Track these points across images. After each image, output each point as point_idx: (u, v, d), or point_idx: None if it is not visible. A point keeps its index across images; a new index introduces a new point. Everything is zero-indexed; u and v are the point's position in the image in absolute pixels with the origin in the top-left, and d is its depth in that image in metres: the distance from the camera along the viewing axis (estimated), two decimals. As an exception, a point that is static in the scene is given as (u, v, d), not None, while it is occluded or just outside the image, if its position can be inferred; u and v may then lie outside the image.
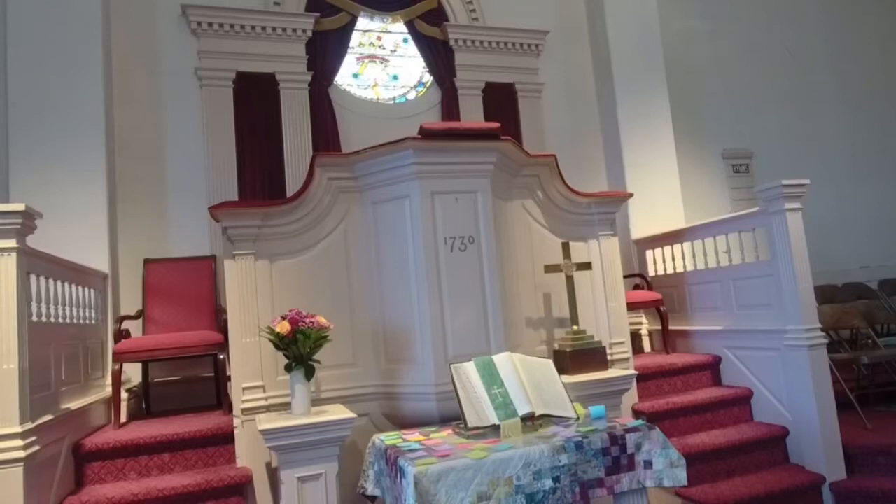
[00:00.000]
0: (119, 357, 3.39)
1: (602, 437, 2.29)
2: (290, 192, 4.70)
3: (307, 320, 2.61)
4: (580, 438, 2.27)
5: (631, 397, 3.69)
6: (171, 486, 2.75)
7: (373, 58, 5.72)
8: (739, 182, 6.42)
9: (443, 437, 2.47)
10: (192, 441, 3.06)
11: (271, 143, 4.94)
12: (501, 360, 2.66)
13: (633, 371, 3.38)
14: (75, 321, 3.30)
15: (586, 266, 3.36)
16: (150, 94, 4.71)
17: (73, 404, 3.04)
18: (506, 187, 3.28)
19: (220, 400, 3.77)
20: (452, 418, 2.73)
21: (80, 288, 3.46)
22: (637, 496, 2.36)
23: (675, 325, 4.64)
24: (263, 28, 4.98)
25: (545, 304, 3.41)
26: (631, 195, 3.87)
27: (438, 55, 5.60)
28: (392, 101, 5.64)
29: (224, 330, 3.36)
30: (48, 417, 2.63)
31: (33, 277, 2.72)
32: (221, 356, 3.51)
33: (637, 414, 3.64)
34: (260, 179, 4.86)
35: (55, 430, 2.69)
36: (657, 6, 5.77)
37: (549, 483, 2.16)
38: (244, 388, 2.89)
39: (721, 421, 3.88)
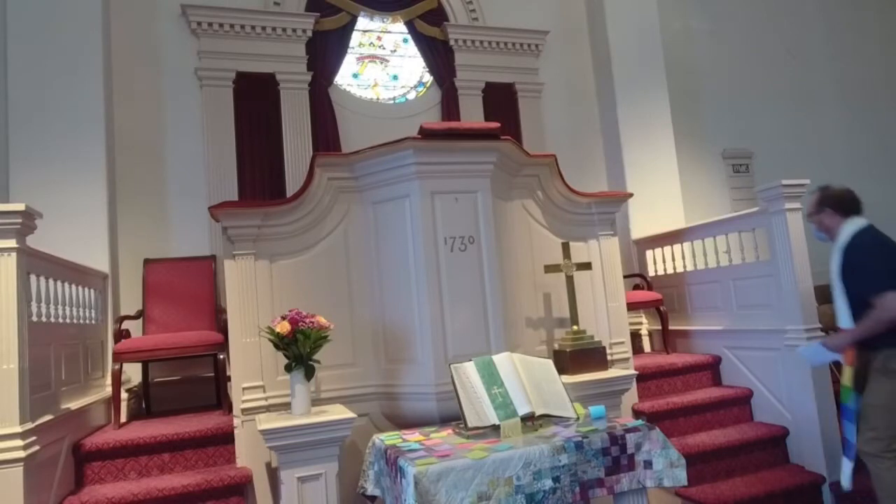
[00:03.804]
0: (119, 357, 3.39)
1: (602, 437, 2.29)
2: (290, 192, 4.70)
3: (307, 320, 2.61)
4: (580, 438, 2.27)
5: (631, 397, 3.69)
6: (171, 486, 2.75)
7: (373, 58, 5.72)
8: (739, 182, 6.42)
9: (443, 437, 2.47)
10: (192, 441, 3.06)
11: (271, 143, 4.94)
12: (501, 360, 2.66)
13: (633, 371, 3.38)
14: (75, 321, 3.30)
15: (586, 266, 3.36)
16: (150, 93, 4.71)
17: (73, 404, 3.04)
18: (506, 187, 3.28)
19: (220, 400, 3.77)
20: (452, 418, 2.73)
21: (80, 288, 3.46)
22: (637, 496, 2.36)
23: (675, 325, 4.64)
24: (263, 28, 4.98)
25: (545, 304, 3.41)
26: (631, 195, 3.87)
27: (438, 55, 5.60)
28: (392, 101, 5.64)
29: (224, 330, 3.36)
30: (48, 417, 2.63)
31: (33, 277, 2.72)
32: (221, 356, 3.51)
33: (637, 414, 3.64)
34: (260, 179, 4.86)
35: (55, 430, 2.69)
36: (657, 6, 5.77)
37: (549, 483, 2.16)
38: (244, 388, 2.89)
39: (721, 421, 3.88)
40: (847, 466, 2.83)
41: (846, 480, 2.83)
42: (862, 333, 2.74)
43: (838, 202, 2.95)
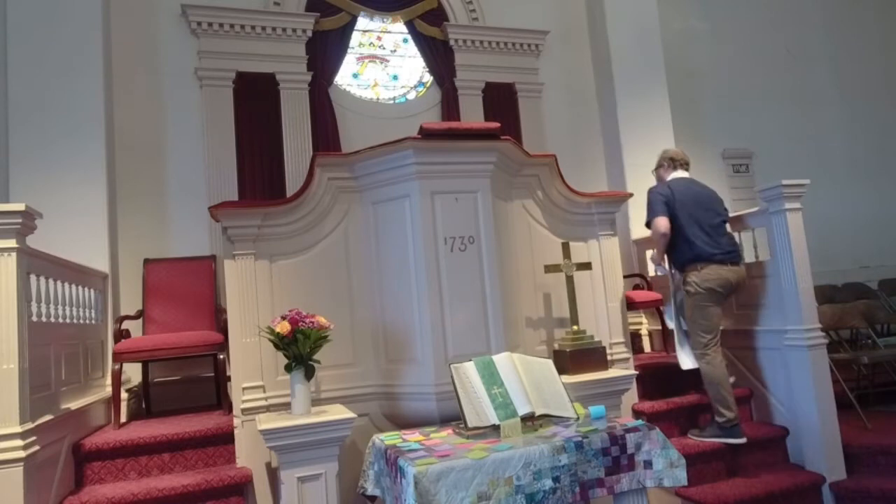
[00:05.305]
0: (119, 357, 3.39)
1: (602, 437, 2.29)
2: (290, 192, 4.69)
3: (307, 320, 2.61)
4: (580, 438, 2.27)
5: (631, 397, 3.69)
6: (171, 486, 2.75)
7: (373, 58, 5.72)
8: (739, 182, 6.42)
9: (443, 437, 2.47)
10: (192, 441, 3.06)
11: (271, 144, 4.94)
12: (501, 360, 2.66)
13: (633, 371, 3.38)
14: (75, 321, 3.30)
15: (586, 266, 3.36)
16: (150, 94, 4.71)
17: (73, 404, 3.04)
18: (506, 187, 3.28)
19: (220, 400, 3.77)
20: (452, 418, 2.73)
21: (80, 288, 3.46)
22: (637, 496, 2.36)
23: (675, 325, 4.63)
24: (263, 28, 4.99)
25: (545, 304, 3.41)
26: (631, 195, 3.87)
27: (438, 55, 5.60)
28: (392, 101, 5.64)
29: (224, 330, 3.36)
30: (48, 417, 2.63)
31: (33, 277, 2.72)
32: (221, 356, 3.51)
33: (637, 414, 3.64)
34: (260, 179, 4.86)
35: (55, 430, 2.69)
36: (657, 6, 5.77)
37: (549, 483, 2.16)
38: (244, 388, 2.89)
39: (721, 421, 3.87)
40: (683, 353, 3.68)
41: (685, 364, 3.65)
42: (657, 251, 3.64)
43: (670, 159, 3.78)
